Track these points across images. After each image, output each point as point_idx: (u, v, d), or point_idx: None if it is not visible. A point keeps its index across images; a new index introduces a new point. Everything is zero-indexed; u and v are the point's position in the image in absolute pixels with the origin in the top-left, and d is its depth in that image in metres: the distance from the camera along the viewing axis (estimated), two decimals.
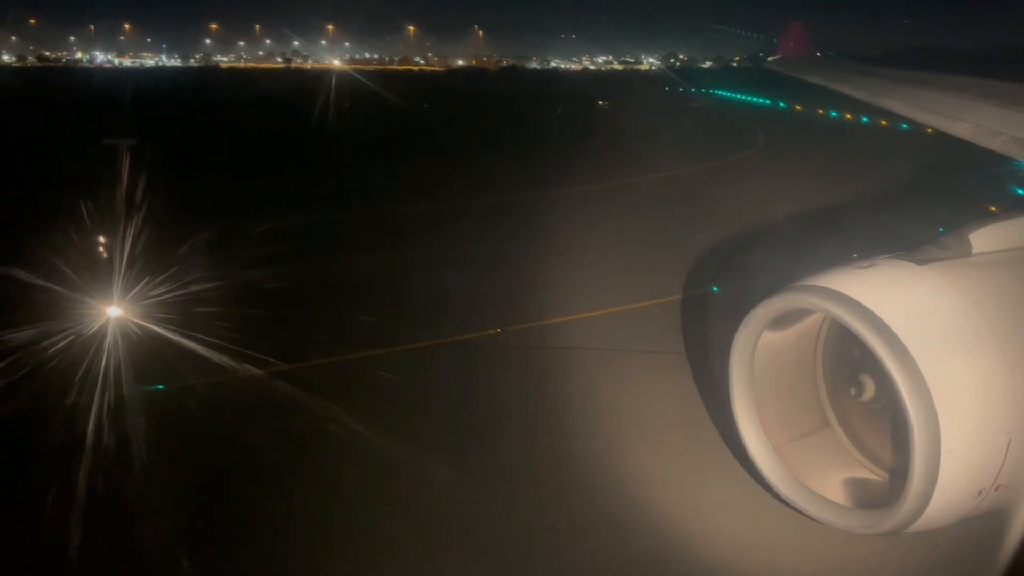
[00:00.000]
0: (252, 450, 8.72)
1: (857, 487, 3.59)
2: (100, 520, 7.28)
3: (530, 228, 19.59)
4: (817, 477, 3.60)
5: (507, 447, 9.18)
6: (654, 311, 13.71)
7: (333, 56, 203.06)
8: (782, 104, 59.68)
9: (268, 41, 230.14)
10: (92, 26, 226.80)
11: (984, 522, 3.29)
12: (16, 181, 25.30)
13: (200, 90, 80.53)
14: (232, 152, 33.96)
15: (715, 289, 14.26)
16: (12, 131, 39.07)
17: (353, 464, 8.57)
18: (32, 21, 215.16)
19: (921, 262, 3.36)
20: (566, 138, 40.30)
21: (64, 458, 8.02)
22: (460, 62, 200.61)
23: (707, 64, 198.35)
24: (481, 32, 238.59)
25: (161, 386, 10.09)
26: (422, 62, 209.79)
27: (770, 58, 15.96)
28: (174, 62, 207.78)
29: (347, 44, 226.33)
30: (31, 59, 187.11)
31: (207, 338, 10.53)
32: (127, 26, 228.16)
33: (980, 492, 3.11)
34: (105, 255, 14.40)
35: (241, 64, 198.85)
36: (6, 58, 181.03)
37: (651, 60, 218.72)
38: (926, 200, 20.37)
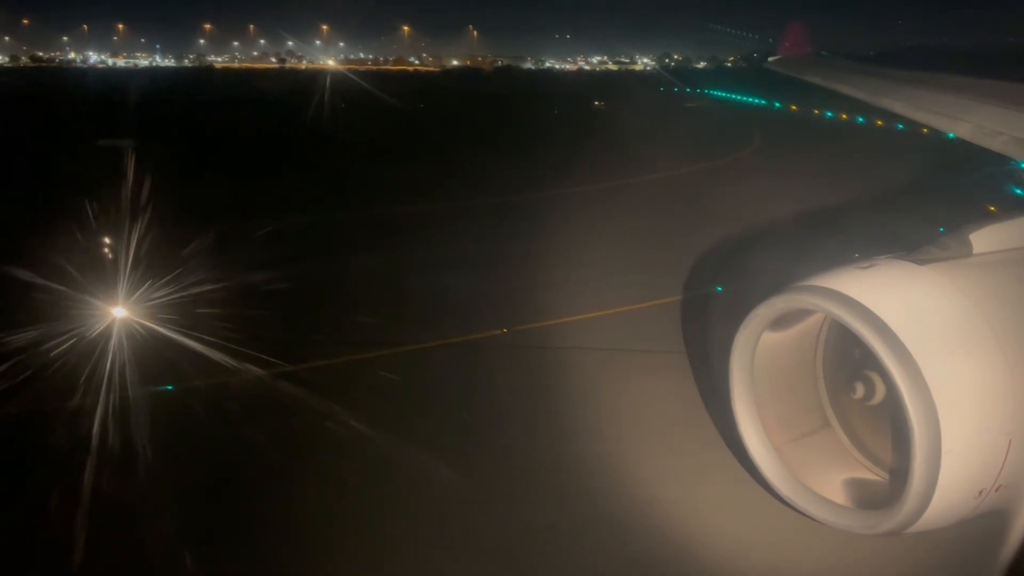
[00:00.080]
0: (265, 451, 8.73)
1: (857, 487, 3.59)
2: (116, 518, 7.33)
3: (530, 228, 19.59)
4: (817, 477, 3.59)
5: (519, 446, 9.22)
6: (655, 311, 13.71)
7: (327, 56, 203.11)
8: (777, 104, 59.78)
9: (262, 41, 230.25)
10: (85, 26, 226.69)
11: (985, 523, 3.29)
12: (12, 182, 25.25)
13: (195, 90, 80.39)
14: (230, 153, 33.90)
15: (719, 289, 14.26)
16: (6, 132, 38.96)
17: (368, 465, 8.61)
18: (25, 21, 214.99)
19: (921, 262, 3.36)
20: (564, 138, 40.33)
21: (78, 457, 8.04)
22: (455, 62, 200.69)
23: (702, 64, 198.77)
24: (476, 32, 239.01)
25: (170, 387, 10.07)
26: (416, 62, 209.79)
27: (770, 58, 15.97)
28: (168, 62, 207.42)
29: (341, 44, 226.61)
30: (24, 59, 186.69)
31: (211, 339, 10.54)
32: (120, 26, 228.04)
33: (981, 493, 3.11)
34: (107, 256, 14.35)
35: (235, 64, 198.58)
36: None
37: (646, 60, 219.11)
38: (925, 200, 20.41)
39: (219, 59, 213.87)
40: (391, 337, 12.29)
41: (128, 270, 12.82)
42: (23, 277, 12.25)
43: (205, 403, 9.40)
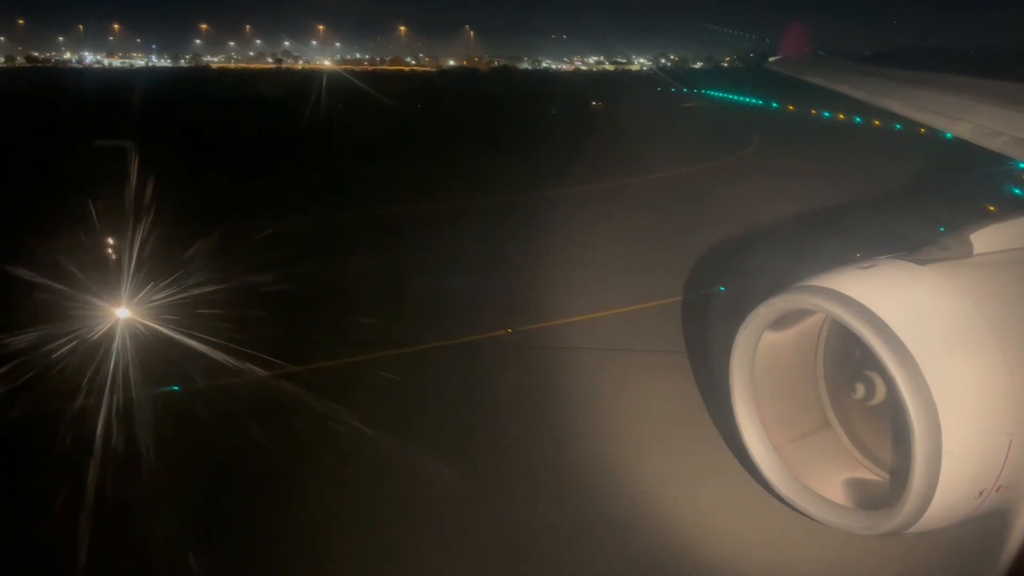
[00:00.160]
0: (276, 452, 8.73)
1: (858, 488, 3.59)
2: (124, 515, 7.37)
3: (530, 228, 19.59)
4: (818, 477, 3.59)
5: (525, 445, 9.24)
6: (656, 312, 13.72)
7: (324, 56, 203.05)
8: (775, 105, 59.87)
9: (258, 41, 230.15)
10: (81, 26, 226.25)
11: (985, 523, 3.29)
12: (13, 183, 25.24)
13: (192, 91, 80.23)
14: (229, 153, 33.75)
15: (722, 288, 14.26)
16: (4, 132, 38.89)
17: (382, 465, 8.61)
18: (21, 21, 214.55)
19: (922, 262, 3.36)
20: (562, 138, 40.31)
21: (89, 456, 8.06)
22: (451, 62, 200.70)
23: (698, 64, 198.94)
24: (472, 32, 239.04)
25: (176, 387, 10.07)
26: (413, 62, 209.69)
27: (770, 58, 15.98)
28: (164, 62, 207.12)
29: (338, 44, 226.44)
30: (20, 59, 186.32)
31: (216, 340, 10.52)
32: (116, 26, 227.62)
33: (981, 493, 3.11)
34: (110, 256, 14.29)
35: (231, 64, 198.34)
36: None
37: (642, 61, 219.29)
38: (925, 200, 20.49)
39: (215, 59, 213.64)
40: (397, 337, 12.30)
41: (130, 271, 12.78)
42: (27, 278, 12.22)
43: (217, 404, 9.43)
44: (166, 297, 12.02)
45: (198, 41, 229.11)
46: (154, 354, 10.40)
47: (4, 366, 9.57)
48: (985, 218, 3.59)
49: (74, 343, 10.31)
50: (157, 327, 11.13)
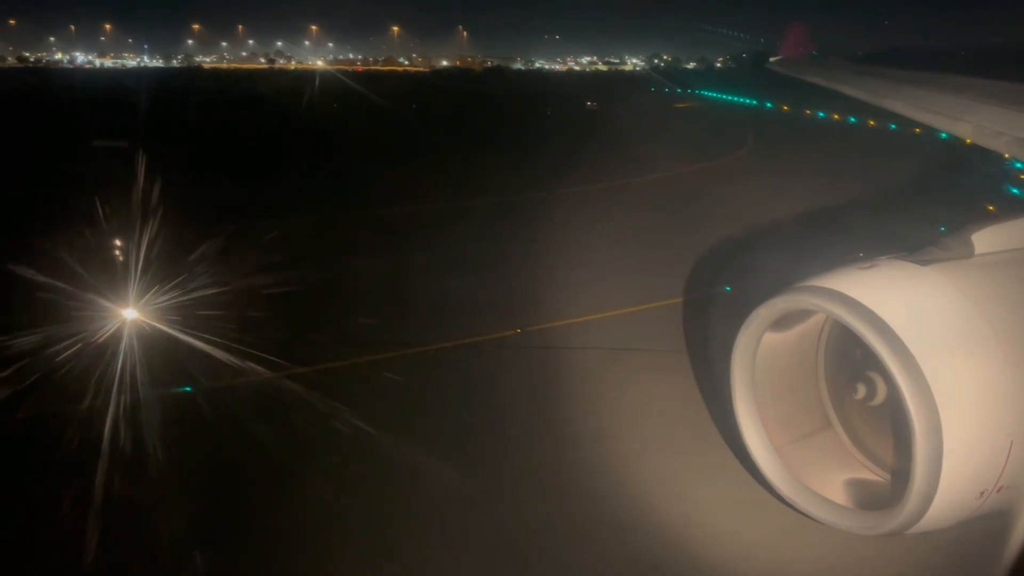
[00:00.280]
0: (289, 453, 8.77)
1: (859, 488, 3.59)
2: (133, 511, 7.41)
3: (532, 228, 19.59)
4: (819, 478, 3.59)
5: (531, 445, 9.27)
6: (659, 312, 13.75)
7: (316, 57, 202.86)
8: (769, 105, 60.05)
9: (251, 42, 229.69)
10: (72, 26, 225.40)
11: (986, 523, 3.29)
12: (14, 183, 25.21)
13: (186, 91, 79.87)
14: (227, 154, 33.53)
15: (728, 288, 14.28)
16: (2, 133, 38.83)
17: (397, 463, 8.64)
18: (12, 22, 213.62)
19: (923, 263, 3.36)
20: (559, 139, 40.35)
21: (105, 456, 8.10)
22: (444, 63, 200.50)
23: (691, 65, 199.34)
24: (465, 33, 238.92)
25: (188, 388, 10.05)
26: (406, 63, 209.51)
27: (771, 59, 16.05)
28: (156, 63, 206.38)
29: (330, 45, 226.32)
30: (10, 60, 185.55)
31: (221, 341, 10.49)
32: (108, 26, 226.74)
33: (982, 493, 3.11)
34: (116, 257, 14.26)
35: (224, 65, 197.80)
36: None
37: (635, 61, 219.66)
38: (923, 200, 20.58)
39: (207, 59, 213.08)
40: (406, 338, 12.31)
41: (137, 272, 12.72)
42: (32, 278, 12.17)
43: (236, 404, 9.44)
44: (170, 298, 11.97)
45: (190, 41, 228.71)
46: (160, 354, 10.38)
47: (16, 365, 9.58)
48: (986, 218, 3.59)
49: (82, 344, 10.29)
50: (162, 327, 11.10)
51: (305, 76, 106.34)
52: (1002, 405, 3.07)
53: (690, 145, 36.69)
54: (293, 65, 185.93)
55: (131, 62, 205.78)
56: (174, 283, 12.27)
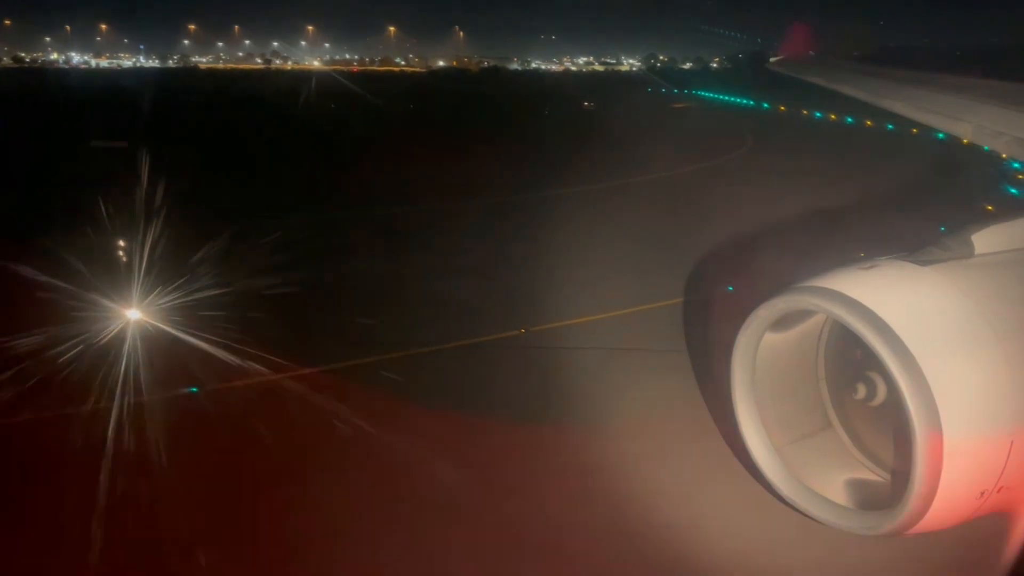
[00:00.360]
0: (300, 453, 8.85)
1: (859, 488, 3.58)
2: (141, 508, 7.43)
3: (533, 229, 19.75)
4: (819, 478, 3.58)
5: (531, 444, 9.35)
6: (662, 312, 13.84)
7: (313, 57, 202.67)
8: (766, 105, 60.16)
9: (247, 42, 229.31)
10: (68, 27, 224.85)
11: (986, 524, 3.29)
12: (17, 183, 25.24)
13: (183, 91, 79.70)
14: (227, 154, 33.56)
15: (730, 288, 14.31)
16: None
17: (409, 459, 8.67)
18: (7, 22, 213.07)
19: (923, 263, 3.35)
20: (557, 139, 40.42)
21: (110, 455, 8.15)
22: (441, 63, 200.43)
23: (688, 65, 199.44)
24: (461, 33, 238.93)
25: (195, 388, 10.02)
26: (402, 63, 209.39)
27: (772, 59, 16.08)
28: (152, 63, 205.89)
29: (327, 45, 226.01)
30: (6, 60, 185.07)
31: (225, 342, 10.50)
32: (104, 26, 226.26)
33: (983, 494, 3.11)
34: (120, 258, 14.25)
35: (220, 65, 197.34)
36: None
37: (631, 61, 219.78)
38: (923, 199, 20.63)
39: (203, 60, 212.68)
40: (414, 337, 12.39)
41: (139, 273, 12.71)
42: (37, 278, 12.16)
43: (240, 405, 9.50)
44: (174, 298, 11.94)
45: (186, 41, 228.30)
46: (165, 354, 10.39)
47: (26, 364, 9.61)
48: (987, 219, 3.58)
49: (86, 344, 10.30)
50: (166, 327, 11.10)
51: (302, 76, 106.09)
52: (1002, 405, 3.07)
53: (689, 145, 36.75)
54: (289, 65, 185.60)
55: (127, 62, 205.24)
56: (175, 284, 12.25)
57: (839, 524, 3.44)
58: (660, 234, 19.32)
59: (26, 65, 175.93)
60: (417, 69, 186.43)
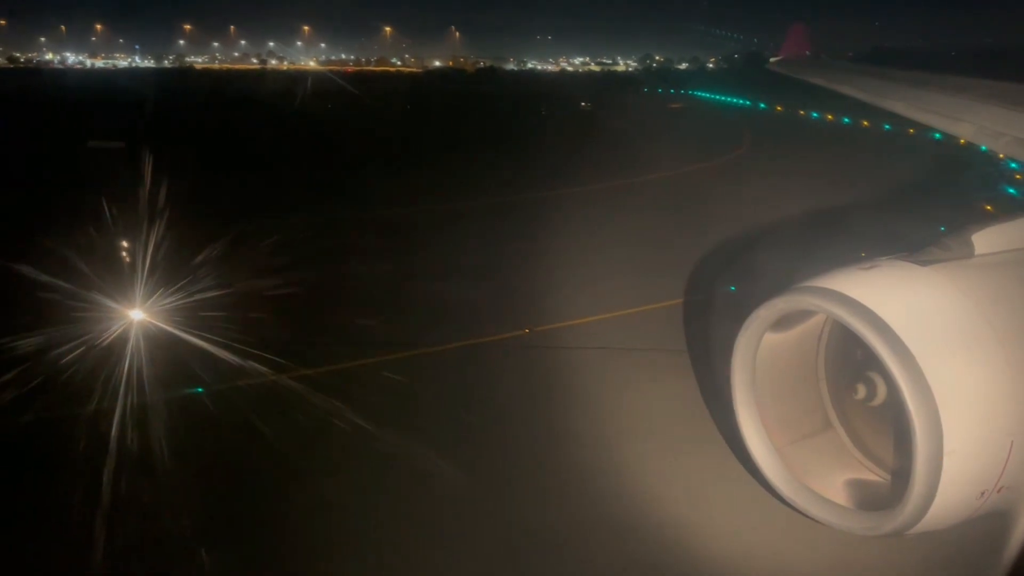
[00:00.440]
0: (308, 453, 8.79)
1: (859, 488, 3.59)
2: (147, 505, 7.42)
3: (535, 229, 19.67)
4: (819, 478, 3.59)
5: (533, 444, 9.33)
6: (665, 312, 13.82)
7: (309, 57, 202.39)
8: (763, 105, 60.25)
9: (243, 42, 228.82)
10: (63, 27, 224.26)
11: (987, 523, 3.29)
12: (20, 183, 25.14)
13: (179, 92, 79.50)
14: (226, 156, 33.10)
15: (732, 288, 14.34)
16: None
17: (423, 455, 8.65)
18: (2, 22, 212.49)
19: (923, 263, 3.36)
20: (556, 139, 40.38)
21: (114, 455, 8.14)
22: (437, 63, 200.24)
23: (683, 65, 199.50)
24: (457, 33, 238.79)
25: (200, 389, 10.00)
26: (398, 63, 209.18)
27: (772, 59, 16.09)
28: (147, 63, 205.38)
29: (323, 45, 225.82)
30: (1, 60, 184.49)
31: (228, 342, 10.47)
32: (99, 26, 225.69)
33: (983, 494, 3.11)
34: (123, 258, 14.17)
35: (216, 65, 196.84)
36: None
37: (628, 62, 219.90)
38: (922, 199, 20.69)
39: (199, 60, 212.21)
40: (422, 338, 12.38)
41: (143, 274, 12.65)
42: (34, 278, 12.11)
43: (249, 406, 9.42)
44: (178, 299, 11.91)
45: (182, 42, 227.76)
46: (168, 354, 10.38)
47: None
48: (987, 219, 3.59)
49: (90, 345, 10.27)
50: (169, 328, 11.07)
51: (298, 77, 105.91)
52: (1002, 405, 3.08)
53: (687, 145, 36.76)
54: (285, 66, 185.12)
55: (122, 62, 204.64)
56: (177, 285, 12.21)
57: (839, 524, 3.45)
58: (660, 234, 19.29)
59: (21, 65, 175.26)
60: (413, 69, 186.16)
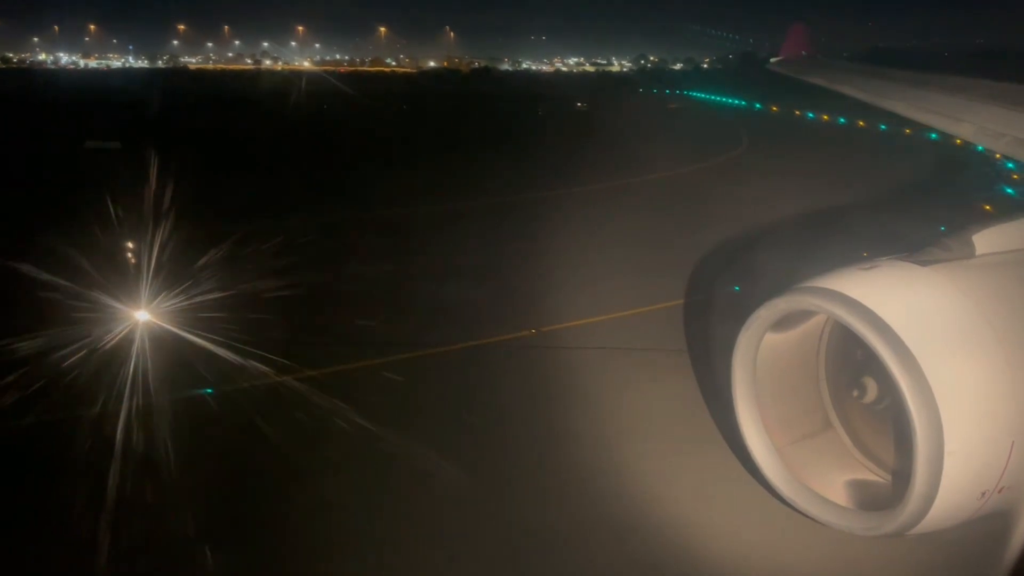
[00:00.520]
0: (316, 454, 8.80)
1: (860, 489, 3.58)
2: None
3: (534, 229, 19.70)
4: (820, 479, 3.58)
5: (535, 443, 9.37)
6: (666, 313, 13.84)
7: (303, 57, 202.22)
8: (758, 105, 60.39)
9: (237, 42, 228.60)
10: (56, 27, 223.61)
11: (987, 524, 3.29)
12: (21, 183, 25.12)
13: (173, 92, 79.14)
14: (224, 156, 33.00)
15: (736, 288, 14.35)
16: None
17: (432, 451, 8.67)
18: None
19: (924, 263, 3.35)
20: (554, 139, 40.45)
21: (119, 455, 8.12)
22: (431, 63, 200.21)
23: (678, 66, 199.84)
24: (452, 33, 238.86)
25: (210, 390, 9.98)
26: (393, 63, 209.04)
27: (772, 59, 16.10)
28: (141, 63, 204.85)
29: (317, 45, 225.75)
30: None
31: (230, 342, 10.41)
32: (92, 27, 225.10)
33: (983, 494, 3.11)
34: (129, 259, 14.15)
35: (210, 66, 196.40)
36: None
37: (623, 62, 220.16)
38: (920, 199, 20.76)
39: (193, 60, 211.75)
40: (428, 338, 12.41)
41: (148, 274, 12.57)
42: (38, 277, 12.06)
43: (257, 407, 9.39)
44: (180, 301, 11.86)
45: (175, 42, 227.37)
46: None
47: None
48: (988, 219, 3.59)
49: (93, 346, 10.19)
50: (173, 329, 11.02)
51: (293, 77, 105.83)
52: (1003, 406, 3.07)
53: (685, 145, 36.80)
54: (280, 66, 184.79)
55: (116, 63, 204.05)
56: (180, 287, 12.16)
57: (840, 525, 3.44)
58: (660, 235, 19.35)
59: (14, 66, 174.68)
60: (408, 69, 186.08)
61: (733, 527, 7.62)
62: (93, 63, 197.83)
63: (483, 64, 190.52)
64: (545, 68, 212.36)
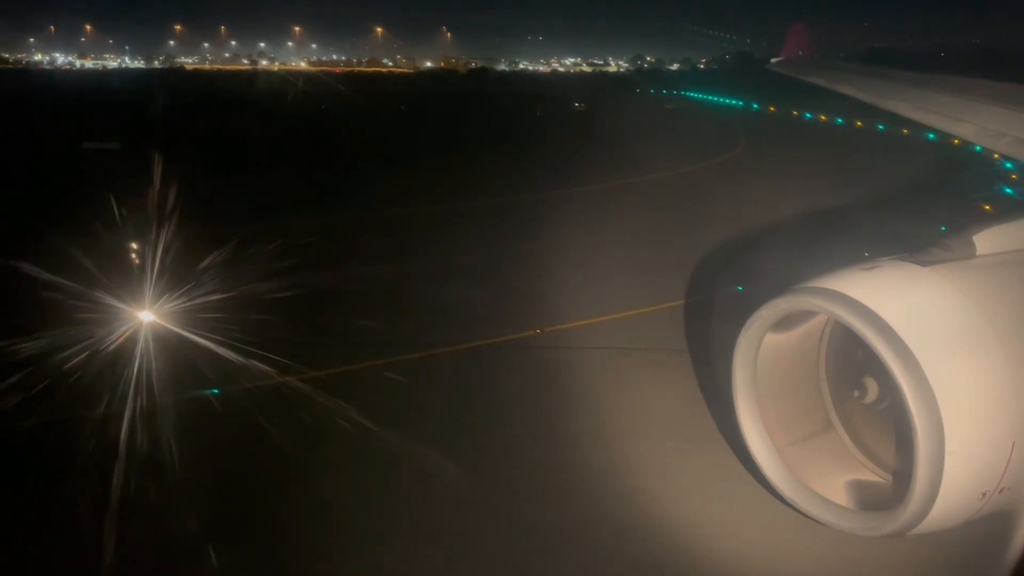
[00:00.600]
0: (320, 455, 8.78)
1: (860, 489, 3.58)
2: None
3: (534, 230, 19.68)
4: (820, 479, 3.58)
5: (536, 443, 9.36)
6: (668, 313, 13.86)
7: (300, 58, 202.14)
8: (755, 106, 60.43)
9: (233, 43, 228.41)
10: (52, 27, 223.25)
11: (988, 524, 3.29)
12: (23, 183, 25.08)
13: (170, 92, 78.88)
14: (222, 156, 32.88)
15: (740, 288, 14.36)
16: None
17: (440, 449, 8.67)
18: None
19: (925, 264, 3.35)
20: (553, 140, 40.33)
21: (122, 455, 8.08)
22: (428, 64, 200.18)
23: (675, 66, 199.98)
24: (449, 34, 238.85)
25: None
26: (390, 64, 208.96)
27: (772, 59, 16.11)
28: (137, 64, 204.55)
29: (314, 46, 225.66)
30: None
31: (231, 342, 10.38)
32: (88, 27, 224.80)
33: (984, 495, 3.11)
34: (133, 260, 14.08)
35: (206, 66, 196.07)
36: None
37: (620, 62, 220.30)
38: (920, 199, 20.76)
39: (189, 61, 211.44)
40: (432, 338, 12.39)
41: (151, 275, 12.54)
42: (39, 277, 12.00)
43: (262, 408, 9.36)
44: (183, 302, 11.82)
45: (172, 42, 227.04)
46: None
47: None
48: (988, 220, 3.59)
49: (97, 347, 10.16)
50: (176, 329, 10.98)
51: (290, 77, 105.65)
52: (1004, 406, 3.07)
53: (683, 146, 36.76)
54: (276, 66, 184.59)
55: (112, 63, 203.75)
56: (182, 288, 12.12)
57: (840, 525, 3.44)
58: (660, 235, 19.33)
59: (10, 66, 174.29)
60: (404, 70, 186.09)
61: (733, 527, 7.62)
62: (89, 63, 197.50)
63: (480, 64, 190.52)
64: (542, 68, 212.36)
